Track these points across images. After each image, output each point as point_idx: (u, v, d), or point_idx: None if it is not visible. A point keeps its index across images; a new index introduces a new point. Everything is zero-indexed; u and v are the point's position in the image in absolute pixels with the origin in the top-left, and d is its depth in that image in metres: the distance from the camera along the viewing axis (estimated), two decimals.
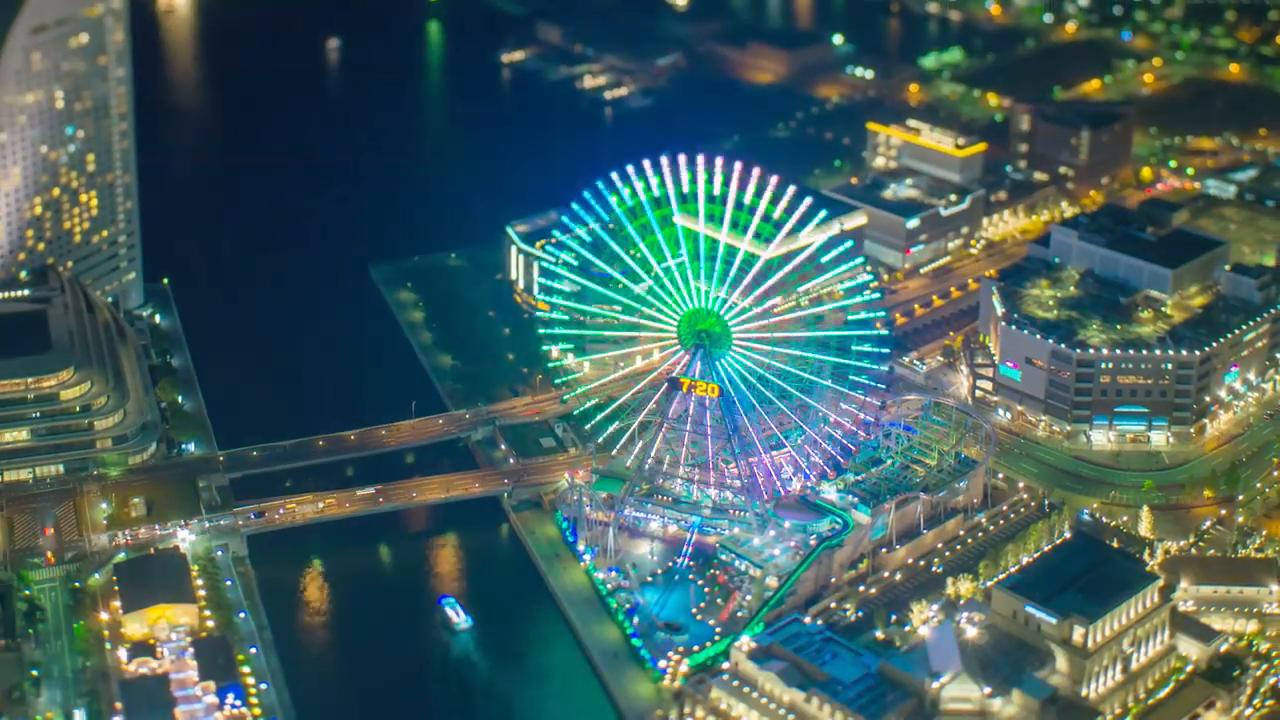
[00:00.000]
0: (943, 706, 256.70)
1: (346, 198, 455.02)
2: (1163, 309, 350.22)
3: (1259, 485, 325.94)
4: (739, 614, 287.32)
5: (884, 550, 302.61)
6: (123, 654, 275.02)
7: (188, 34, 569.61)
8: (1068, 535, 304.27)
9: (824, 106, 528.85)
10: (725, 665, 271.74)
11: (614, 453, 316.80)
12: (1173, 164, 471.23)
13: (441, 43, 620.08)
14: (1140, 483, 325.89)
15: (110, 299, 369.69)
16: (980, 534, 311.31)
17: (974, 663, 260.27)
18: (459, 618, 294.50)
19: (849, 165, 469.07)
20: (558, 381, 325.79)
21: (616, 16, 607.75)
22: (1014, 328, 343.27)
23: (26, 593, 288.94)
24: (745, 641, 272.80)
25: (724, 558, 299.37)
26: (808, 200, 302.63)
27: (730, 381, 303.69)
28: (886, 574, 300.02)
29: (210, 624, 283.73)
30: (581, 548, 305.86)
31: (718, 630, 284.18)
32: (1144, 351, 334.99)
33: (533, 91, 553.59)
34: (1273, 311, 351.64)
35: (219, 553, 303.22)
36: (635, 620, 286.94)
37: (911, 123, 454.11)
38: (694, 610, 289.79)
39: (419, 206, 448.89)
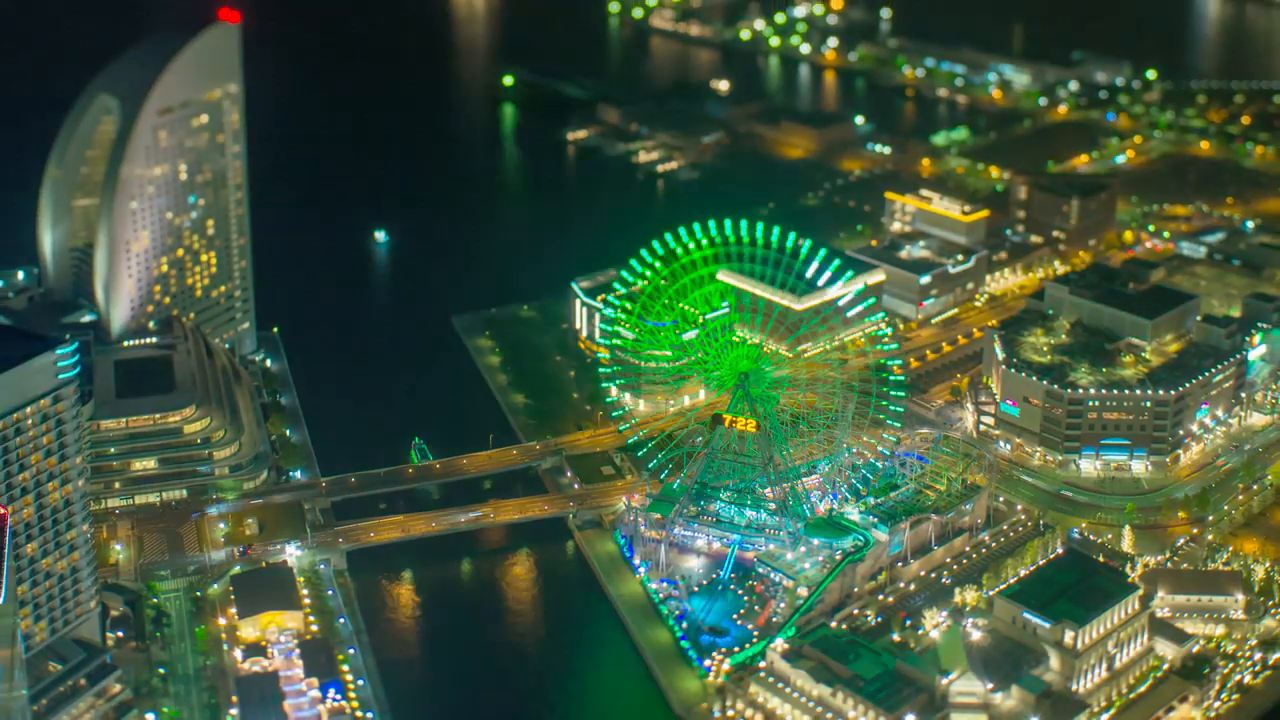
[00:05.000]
0: (951, 700, 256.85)
1: (431, 258, 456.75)
2: (1143, 354, 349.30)
3: (1226, 508, 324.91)
4: (774, 619, 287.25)
5: (900, 564, 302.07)
6: (238, 654, 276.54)
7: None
8: (1060, 551, 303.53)
9: (848, 178, 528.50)
10: (762, 664, 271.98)
11: (665, 479, 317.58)
12: (1151, 228, 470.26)
13: (514, 122, 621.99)
14: (1123, 505, 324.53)
15: (227, 345, 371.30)
16: (983, 550, 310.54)
17: (978, 662, 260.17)
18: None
19: (869, 229, 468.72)
20: (615, 414, 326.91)
21: (668, 100, 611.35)
22: (1013, 370, 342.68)
23: (154, 601, 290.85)
24: (780, 643, 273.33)
25: (761, 570, 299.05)
26: (833, 259, 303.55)
27: (766, 417, 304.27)
28: (902, 585, 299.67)
29: (314, 628, 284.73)
30: (637, 562, 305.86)
31: (755, 633, 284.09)
32: (1126, 391, 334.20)
33: (594, 165, 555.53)
34: (1238, 357, 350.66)
35: (322, 566, 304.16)
36: (684, 625, 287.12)
37: (924, 192, 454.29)
38: (735, 616, 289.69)
39: (495, 264, 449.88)
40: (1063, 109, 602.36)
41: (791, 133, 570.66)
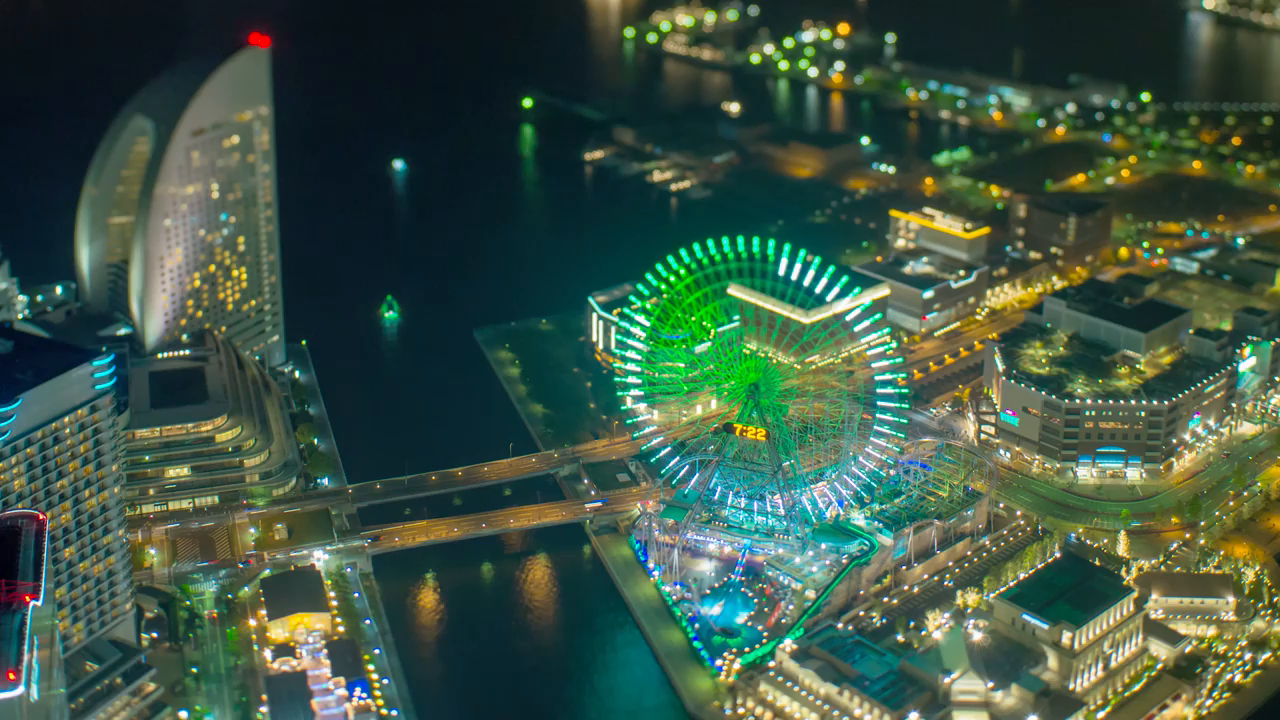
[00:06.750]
0: (953, 699, 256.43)
1: (453, 274, 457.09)
2: (1137, 366, 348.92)
3: (1217, 514, 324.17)
4: (783, 621, 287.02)
5: (904, 568, 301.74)
6: (268, 654, 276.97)
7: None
8: (1057, 555, 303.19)
9: (853, 196, 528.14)
10: (771, 664, 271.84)
11: (678, 486, 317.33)
12: (1145, 245, 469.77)
13: (534, 143, 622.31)
14: (1118, 511, 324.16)
15: (257, 357, 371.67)
16: (984, 554, 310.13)
17: (979, 661, 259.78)
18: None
19: (874, 246, 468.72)
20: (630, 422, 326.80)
21: (681, 122, 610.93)
22: (1013, 382, 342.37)
23: (187, 603, 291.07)
24: (789, 644, 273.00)
25: (770, 573, 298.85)
26: (839, 275, 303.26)
27: (776, 426, 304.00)
28: (906, 587, 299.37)
29: (341, 629, 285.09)
30: (651, 565, 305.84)
31: (765, 634, 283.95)
32: (1121, 401, 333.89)
33: (610, 184, 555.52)
34: (1229, 368, 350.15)
35: (348, 570, 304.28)
36: (696, 626, 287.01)
37: (927, 210, 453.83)
38: (745, 618, 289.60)
39: (515, 280, 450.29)
40: (1060, 130, 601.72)
41: (800, 153, 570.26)
